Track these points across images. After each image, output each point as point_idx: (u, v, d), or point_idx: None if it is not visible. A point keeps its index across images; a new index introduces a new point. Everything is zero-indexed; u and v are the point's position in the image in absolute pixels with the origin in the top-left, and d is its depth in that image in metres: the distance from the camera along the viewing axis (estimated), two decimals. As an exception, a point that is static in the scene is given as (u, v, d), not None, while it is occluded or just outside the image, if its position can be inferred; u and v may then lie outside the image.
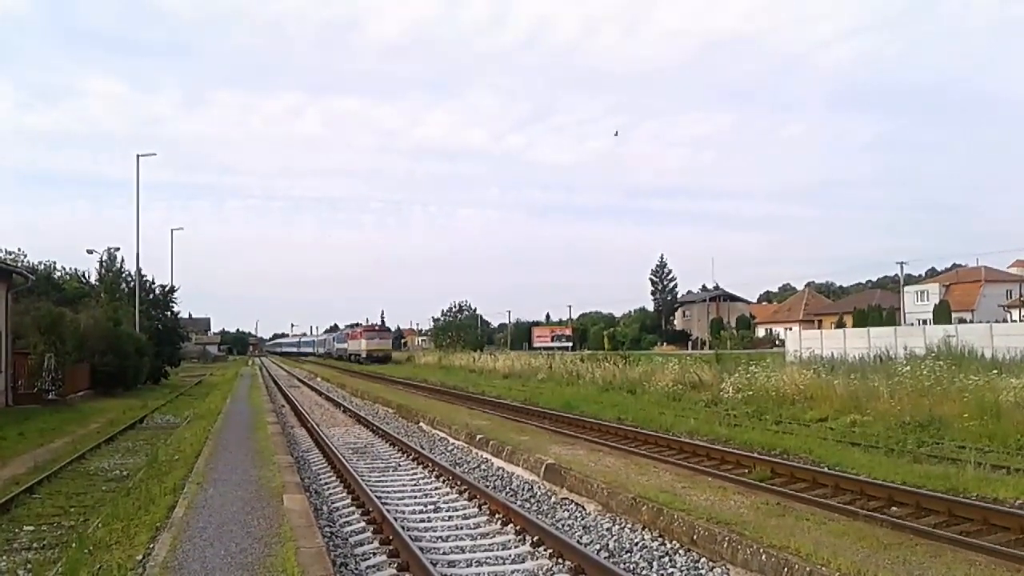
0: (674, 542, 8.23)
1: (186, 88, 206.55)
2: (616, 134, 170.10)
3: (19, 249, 47.73)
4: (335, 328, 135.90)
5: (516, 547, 8.39)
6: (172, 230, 57.32)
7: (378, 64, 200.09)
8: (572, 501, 10.69)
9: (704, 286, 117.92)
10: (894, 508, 9.34)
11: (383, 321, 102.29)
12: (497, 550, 8.33)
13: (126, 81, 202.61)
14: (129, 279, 49.50)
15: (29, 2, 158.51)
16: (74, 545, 8.10)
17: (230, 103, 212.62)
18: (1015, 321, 54.87)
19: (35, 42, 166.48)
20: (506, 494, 11.26)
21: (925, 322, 58.84)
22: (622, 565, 7.59)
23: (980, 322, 50.32)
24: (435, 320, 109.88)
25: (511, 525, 9.16)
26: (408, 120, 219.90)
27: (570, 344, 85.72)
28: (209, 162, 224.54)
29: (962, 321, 55.85)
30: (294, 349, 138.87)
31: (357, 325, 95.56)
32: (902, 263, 76.93)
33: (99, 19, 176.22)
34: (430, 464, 13.80)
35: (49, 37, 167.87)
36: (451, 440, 17.64)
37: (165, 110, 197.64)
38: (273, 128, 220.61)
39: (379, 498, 10.44)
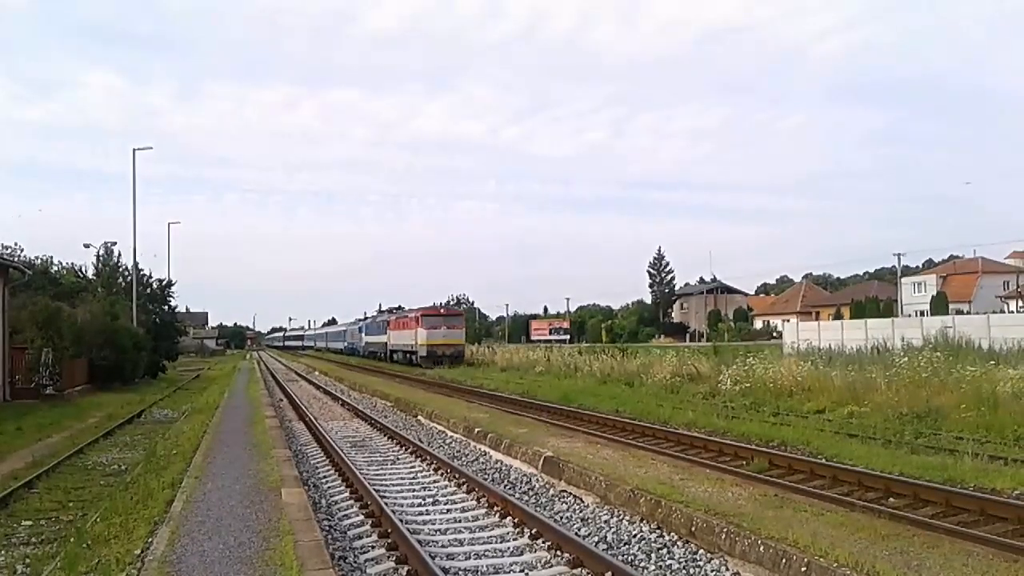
0: (672, 534, 8.24)
1: (181, 81, 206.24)
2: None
3: (16, 243, 47.50)
4: (333, 321, 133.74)
5: (514, 540, 8.40)
6: (169, 224, 56.83)
7: (374, 56, 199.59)
8: (570, 493, 10.70)
9: (702, 278, 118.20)
10: (892, 499, 9.36)
11: (387, 308, 64.77)
12: (495, 543, 8.35)
13: (121, 74, 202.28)
14: (126, 273, 49.39)
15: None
16: (72, 540, 8.09)
17: (225, 96, 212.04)
18: (1012, 312, 54.94)
19: (29, 34, 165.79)
20: (504, 487, 11.27)
21: (922, 313, 58.92)
22: (620, 557, 7.60)
23: (977, 313, 50.36)
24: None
25: (509, 518, 9.17)
26: (405, 112, 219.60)
27: (568, 337, 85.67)
28: (205, 155, 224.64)
29: (959, 312, 55.87)
30: (300, 343, 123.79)
31: (399, 308, 61.13)
32: (899, 255, 77.21)
33: (93, 11, 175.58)
34: (428, 457, 13.81)
35: (43, 29, 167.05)
36: (449, 433, 17.65)
37: (161, 103, 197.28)
38: (269, 121, 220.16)
39: (377, 491, 10.44)
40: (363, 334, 68.32)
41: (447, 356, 44.66)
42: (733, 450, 12.98)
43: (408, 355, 49.28)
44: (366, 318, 74.59)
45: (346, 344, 79.13)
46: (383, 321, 59.26)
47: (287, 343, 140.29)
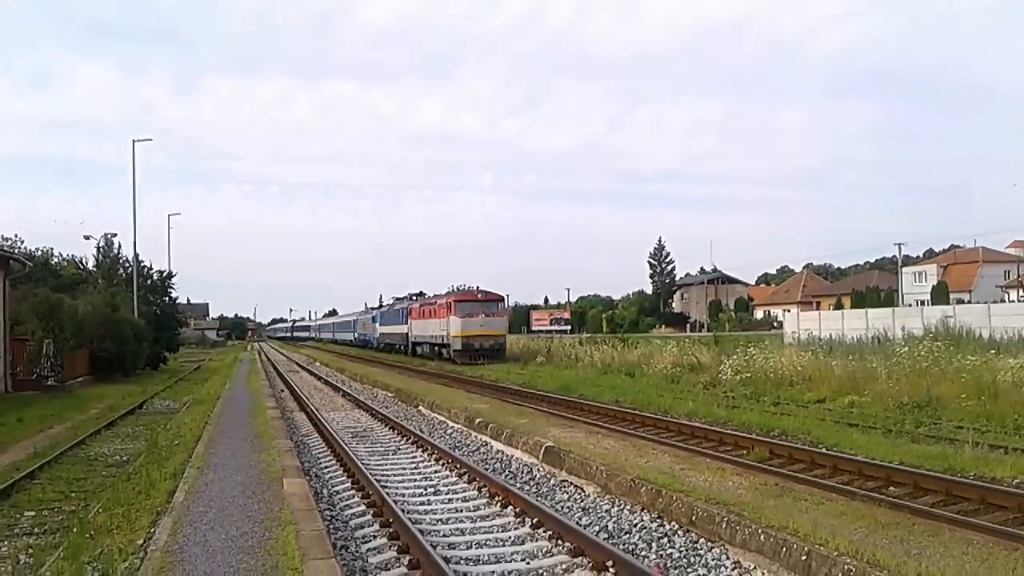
0: (673, 523, 8.26)
1: (179, 74, 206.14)
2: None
3: (16, 235, 47.55)
4: (334, 312, 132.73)
5: (516, 529, 8.42)
6: (169, 215, 56.82)
7: (370, 49, 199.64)
8: (571, 483, 10.73)
9: (702, 268, 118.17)
10: (892, 488, 9.39)
11: (418, 293, 52.77)
12: (497, 532, 8.37)
13: (119, 67, 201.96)
14: (127, 265, 49.42)
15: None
16: (75, 530, 8.12)
17: (222, 89, 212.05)
18: (1013, 301, 54.93)
19: (25, 28, 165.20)
20: (505, 476, 11.30)
21: (923, 303, 58.93)
22: (621, 546, 7.62)
23: (978, 303, 50.33)
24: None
25: (510, 507, 9.20)
26: (402, 106, 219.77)
27: (568, 327, 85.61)
28: (204, 148, 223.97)
29: (960, 302, 55.87)
30: (307, 334, 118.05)
31: (420, 294, 51.70)
32: (900, 244, 77.61)
33: (88, 5, 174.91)
34: (429, 447, 13.84)
35: (39, 23, 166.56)
36: (450, 423, 17.68)
37: (159, 96, 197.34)
38: (266, 114, 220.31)
39: (379, 481, 10.47)
40: (377, 324, 60.98)
41: (486, 349, 38.10)
42: (734, 440, 13.01)
43: (437, 348, 42.25)
44: (380, 306, 67.82)
45: (357, 335, 72.02)
46: (403, 309, 51.44)
47: (296, 334, 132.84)
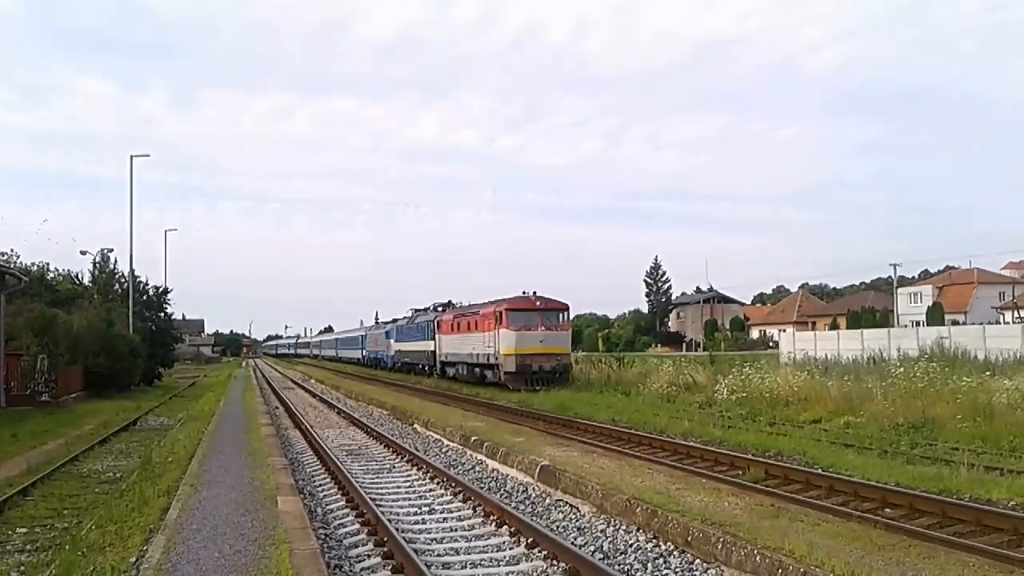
0: (668, 543, 8.24)
1: (176, 89, 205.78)
2: None
3: (12, 250, 47.52)
4: (329, 329, 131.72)
5: (511, 549, 8.39)
6: (166, 231, 57.53)
7: (368, 64, 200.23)
8: (566, 503, 10.70)
9: (698, 288, 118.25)
10: (888, 509, 9.37)
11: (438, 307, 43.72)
12: (492, 552, 8.34)
13: (116, 82, 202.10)
14: (123, 280, 49.38)
15: (18, 1, 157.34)
16: (68, 547, 8.08)
17: (220, 104, 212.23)
18: (1008, 323, 55.09)
19: (24, 41, 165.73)
20: (500, 496, 11.27)
21: (918, 324, 59.00)
22: (616, 567, 7.60)
23: (973, 324, 50.50)
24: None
25: (505, 527, 9.17)
26: (399, 121, 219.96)
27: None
28: (200, 163, 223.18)
29: (955, 323, 56.05)
30: (308, 351, 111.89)
31: (449, 304, 43.47)
32: (895, 265, 77.39)
33: (87, 19, 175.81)
34: (424, 466, 13.79)
35: (38, 36, 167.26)
36: (445, 442, 17.63)
37: (155, 111, 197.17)
38: (264, 129, 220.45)
39: (373, 500, 10.43)
40: (392, 340, 52.58)
41: (547, 372, 29.34)
42: (729, 460, 12.98)
43: (478, 370, 33.38)
44: (378, 322, 61.00)
45: (366, 353, 63.24)
46: (427, 322, 42.37)
47: (299, 351, 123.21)
